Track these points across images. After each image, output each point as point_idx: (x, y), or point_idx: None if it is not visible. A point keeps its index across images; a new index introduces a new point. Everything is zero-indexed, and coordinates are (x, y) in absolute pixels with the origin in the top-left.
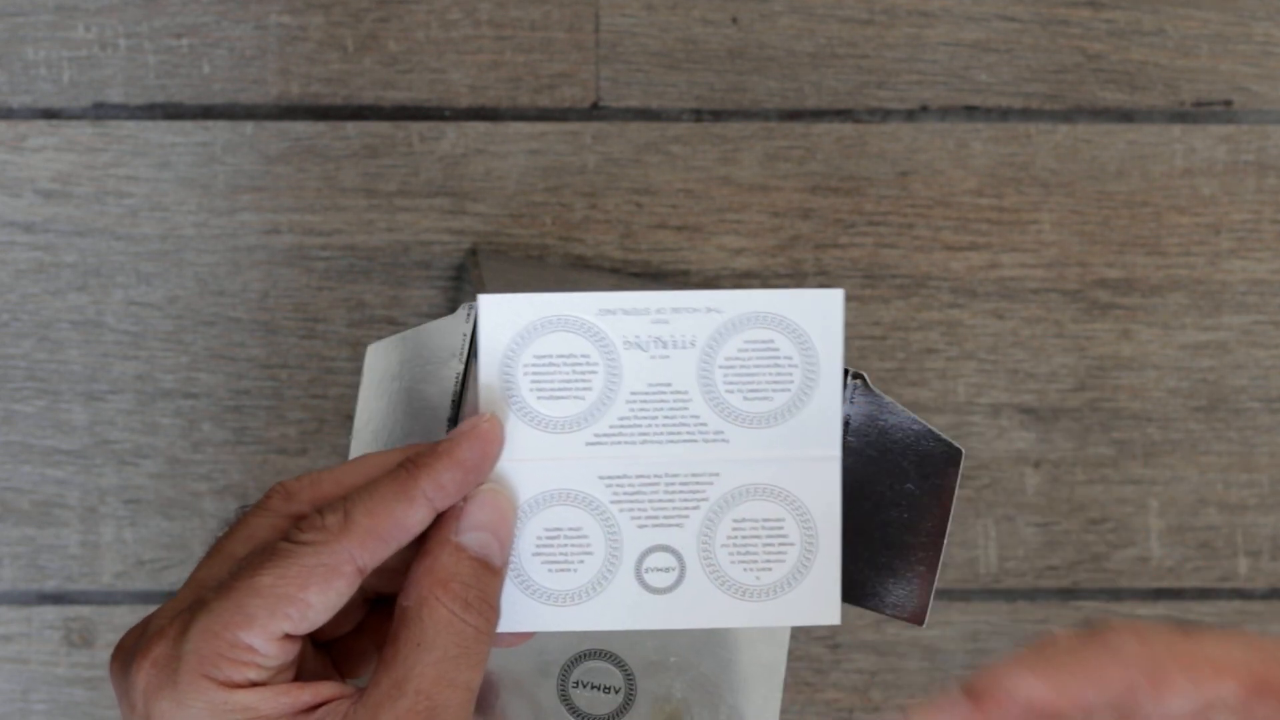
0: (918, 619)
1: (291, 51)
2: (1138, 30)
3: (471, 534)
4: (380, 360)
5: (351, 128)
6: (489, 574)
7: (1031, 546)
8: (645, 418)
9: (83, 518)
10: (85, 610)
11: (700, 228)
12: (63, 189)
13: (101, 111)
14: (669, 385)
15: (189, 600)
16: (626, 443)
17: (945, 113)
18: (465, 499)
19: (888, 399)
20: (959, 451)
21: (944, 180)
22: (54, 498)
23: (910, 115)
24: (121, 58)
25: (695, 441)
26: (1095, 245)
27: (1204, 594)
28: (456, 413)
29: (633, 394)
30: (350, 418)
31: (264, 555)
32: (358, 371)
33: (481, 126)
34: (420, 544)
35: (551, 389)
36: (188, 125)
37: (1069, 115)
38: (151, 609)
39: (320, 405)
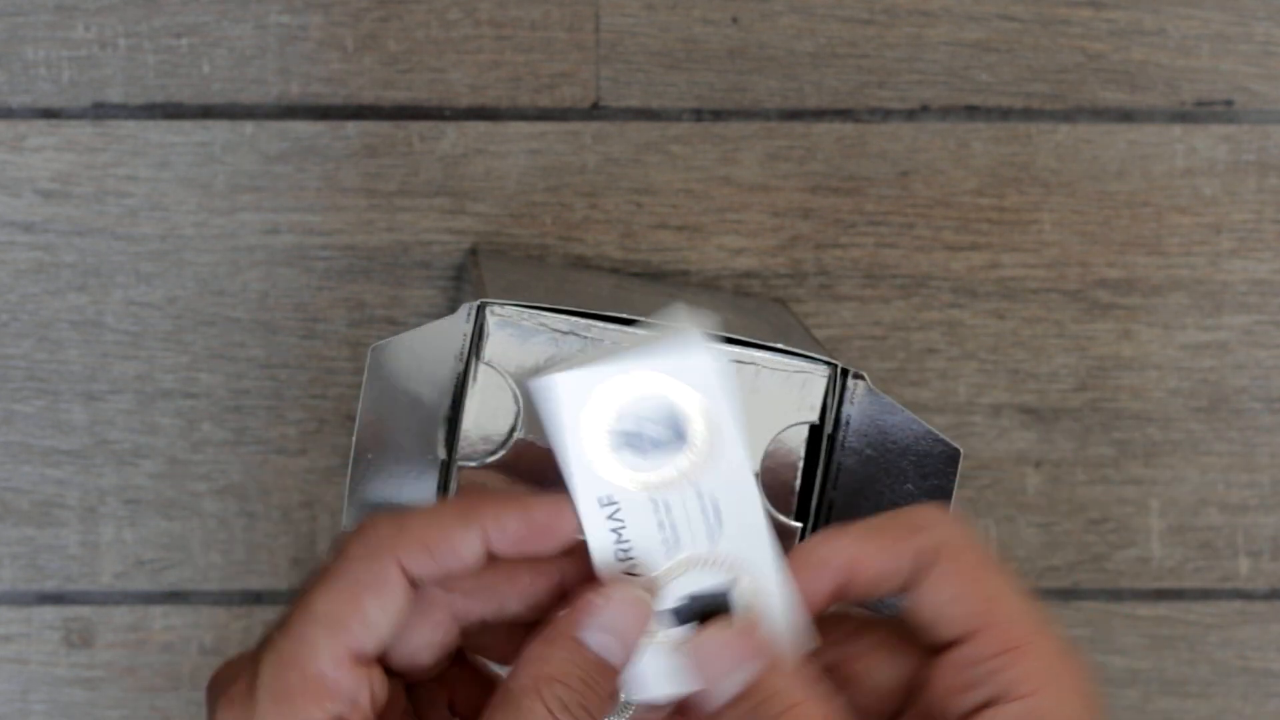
0: None
1: (291, 51)
2: (1138, 30)
3: (598, 635)
4: (381, 360)
5: (351, 128)
6: (601, 675)
7: (1032, 547)
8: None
9: (82, 518)
10: (85, 610)
11: (700, 228)
12: (62, 189)
13: (101, 111)
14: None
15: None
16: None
17: (946, 112)
18: (602, 596)
19: (888, 399)
20: (957, 451)
21: (944, 180)
22: (54, 498)
23: (911, 115)
24: (121, 57)
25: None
26: (1096, 245)
27: (1205, 594)
28: (456, 413)
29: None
30: (351, 418)
31: (317, 578)
32: (358, 371)
33: (481, 126)
34: (542, 625)
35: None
36: (187, 125)
37: (1070, 115)
38: (151, 609)
39: (320, 405)
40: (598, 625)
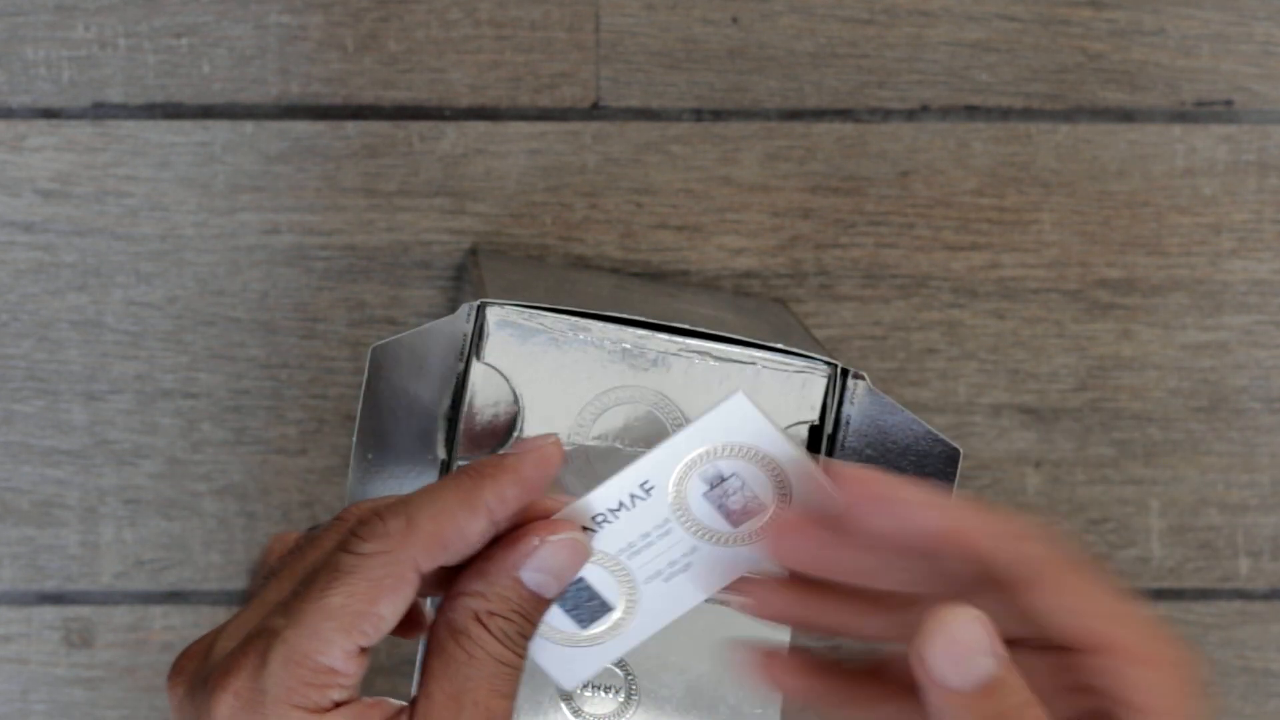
0: None
1: (291, 51)
2: (1138, 30)
3: (536, 574)
4: (381, 360)
5: (351, 127)
6: (538, 606)
7: None
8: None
9: (82, 518)
10: (85, 610)
11: (700, 228)
12: (62, 189)
13: (101, 111)
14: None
15: (256, 622)
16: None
17: (946, 112)
18: (541, 539)
19: (888, 399)
20: (957, 451)
21: (944, 180)
22: (54, 498)
23: (911, 115)
24: (121, 57)
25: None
26: (1096, 245)
27: (1205, 594)
28: (456, 413)
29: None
30: (351, 418)
31: (328, 571)
32: (358, 372)
33: (481, 126)
34: (473, 559)
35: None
36: (187, 125)
37: (1070, 115)
38: (151, 609)
39: (320, 405)
40: (536, 566)
